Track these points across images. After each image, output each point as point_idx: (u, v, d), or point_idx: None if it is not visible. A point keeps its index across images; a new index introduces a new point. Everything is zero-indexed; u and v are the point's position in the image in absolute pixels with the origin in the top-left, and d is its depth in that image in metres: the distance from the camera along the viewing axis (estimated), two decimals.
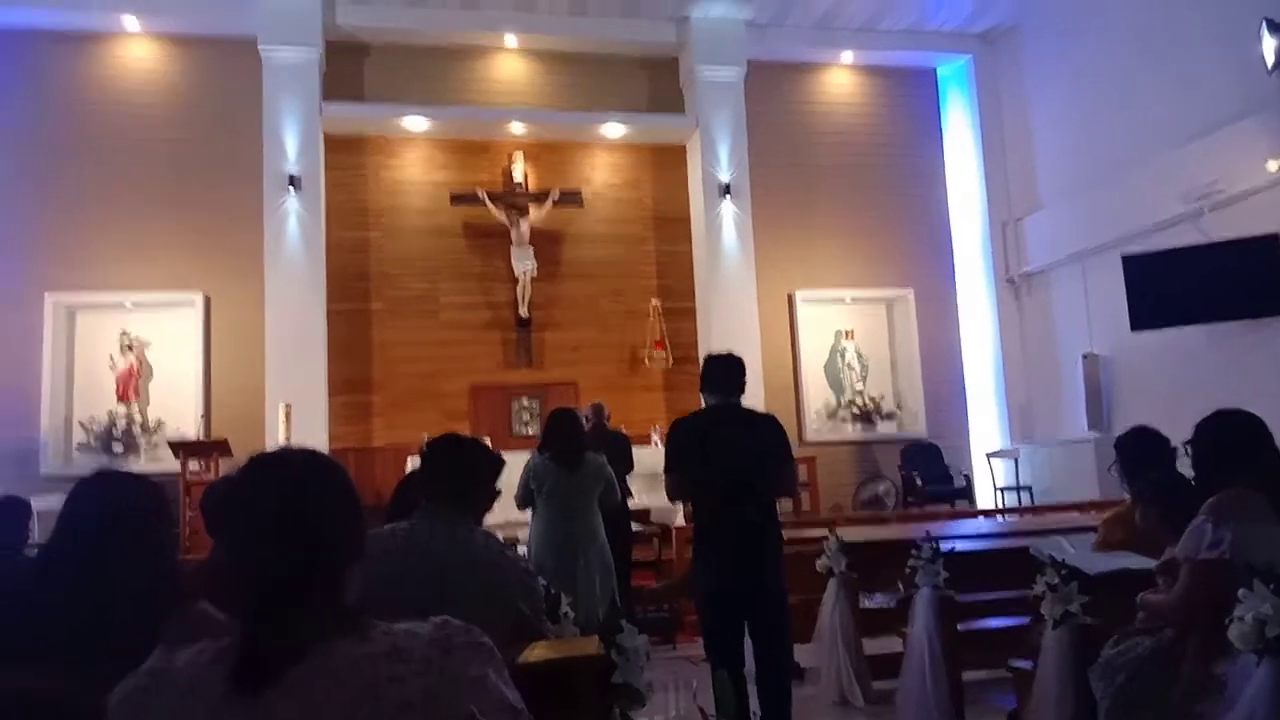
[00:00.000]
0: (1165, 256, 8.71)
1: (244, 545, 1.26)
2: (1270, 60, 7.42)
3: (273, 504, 1.26)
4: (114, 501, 2.01)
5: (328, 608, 1.23)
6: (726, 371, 4.09)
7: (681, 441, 4.04)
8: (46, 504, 6.99)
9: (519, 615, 2.38)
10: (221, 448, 8.53)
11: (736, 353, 4.20)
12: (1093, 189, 10.04)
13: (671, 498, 4.43)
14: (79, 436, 9.39)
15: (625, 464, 6.60)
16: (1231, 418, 2.99)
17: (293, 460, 1.34)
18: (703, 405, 4.21)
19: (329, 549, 1.26)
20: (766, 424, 4.09)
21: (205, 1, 9.90)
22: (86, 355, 9.58)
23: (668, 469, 4.04)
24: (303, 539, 1.24)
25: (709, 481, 3.95)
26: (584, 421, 6.76)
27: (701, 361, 4.29)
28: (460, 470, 2.55)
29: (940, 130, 11.93)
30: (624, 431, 7.45)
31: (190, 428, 9.40)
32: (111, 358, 9.56)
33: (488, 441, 3.08)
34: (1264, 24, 7.42)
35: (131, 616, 1.81)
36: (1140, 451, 3.62)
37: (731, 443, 3.94)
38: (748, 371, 4.15)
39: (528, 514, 5.28)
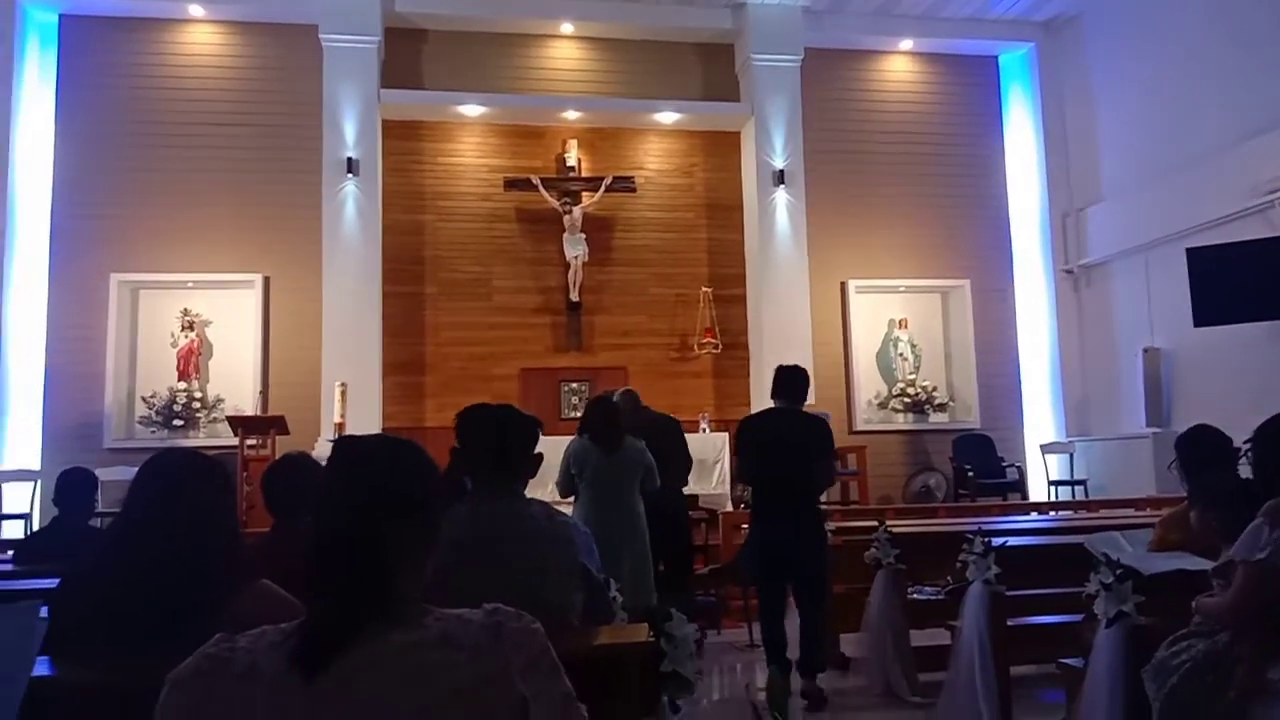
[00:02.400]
0: (1231, 250, 8.47)
1: (328, 527, 1.28)
2: None
3: (371, 487, 1.29)
4: (178, 481, 2.06)
5: (395, 596, 1.25)
6: (791, 382, 5.16)
7: (746, 436, 5.12)
8: (110, 475, 7.25)
9: (589, 578, 2.35)
10: (278, 424, 8.70)
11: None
12: (1158, 181, 9.81)
13: (737, 479, 5.76)
14: (141, 411, 9.64)
15: (681, 456, 6.36)
16: None
17: (392, 447, 1.37)
18: (771, 405, 5.24)
19: (415, 539, 1.30)
20: (816, 425, 5.13)
21: None
22: (149, 333, 9.82)
23: (736, 455, 5.17)
24: (393, 527, 1.27)
25: (764, 468, 5.00)
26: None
27: (774, 371, 5.29)
28: (504, 441, 2.47)
29: (1001, 119, 11.72)
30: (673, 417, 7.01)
31: (248, 404, 9.60)
32: (173, 335, 9.80)
33: None
34: None
35: (197, 596, 1.87)
36: (1201, 451, 3.54)
37: (784, 440, 4.97)
38: (799, 359, 5.20)
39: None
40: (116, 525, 2.10)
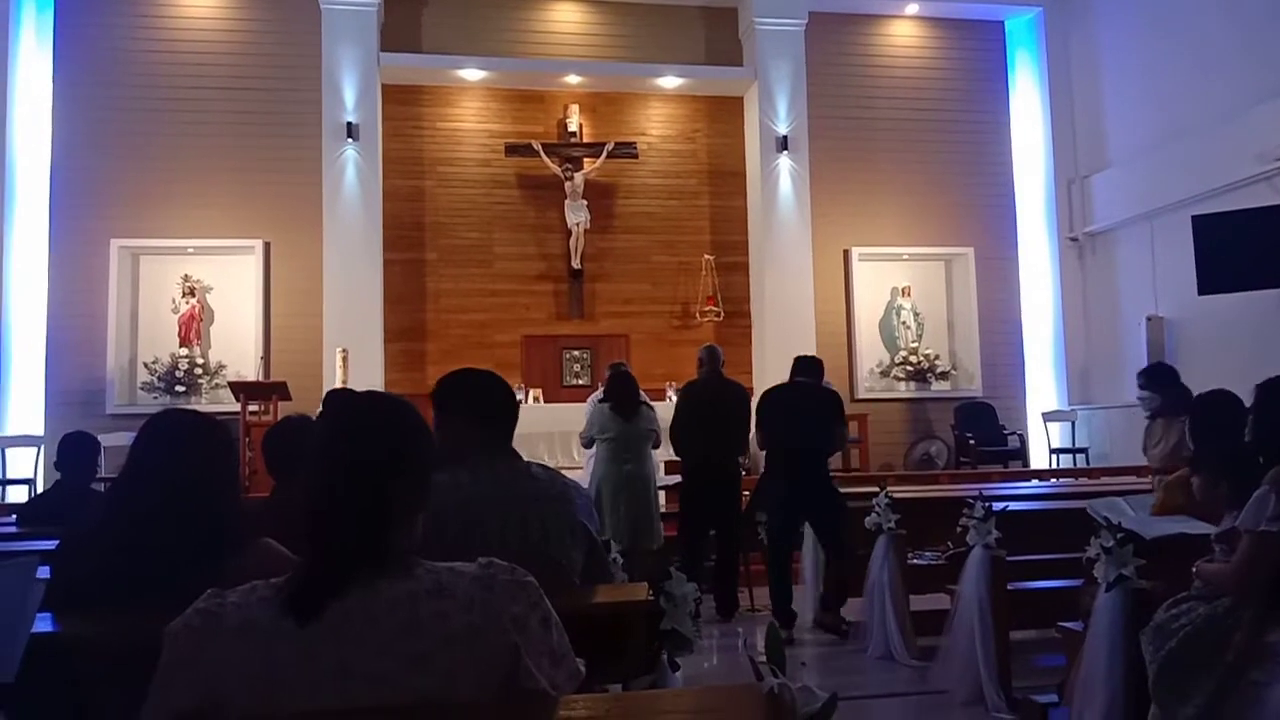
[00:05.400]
0: (1237, 217, 8.41)
1: (322, 479, 1.28)
2: None
3: (369, 441, 1.29)
4: (181, 440, 2.05)
5: (389, 547, 1.26)
6: (809, 366, 6.00)
7: (766, 405, 5.90)
8: (112, 441, 7.28)
9: (589, 538, 2.35)
10: (280, 390, 8.71)
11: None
12: (1164, 147, 9.72)
13: (759, 446, 6.08)
14: (143, 377, 9.64)
15: (743, 425, 6.34)
16: None
17: (386, 402, 1.37)
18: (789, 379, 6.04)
19: (409, 492, 1.30)
20: (828, 397, 5.93)
21: None
22: (150, 299, 9.80)
23: (758, 425, 5.88)
24: (382, 479, 1.27)
25: (783, 433, 5.74)
26: (699, 364, 6.54)
27: (793, 360, 6.12)
28: (495, 402, 2.43)
29: (1006, 85, 11.60)
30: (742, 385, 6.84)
31: (250, 370, 9.60)
32: (174, 301, 9.78)
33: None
34: None
35: (198, 553, 1.86)
36: (1217, 416, 3.49)
37: (798, 408, 5.76)
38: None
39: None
40: (119, 483, 2.09)
